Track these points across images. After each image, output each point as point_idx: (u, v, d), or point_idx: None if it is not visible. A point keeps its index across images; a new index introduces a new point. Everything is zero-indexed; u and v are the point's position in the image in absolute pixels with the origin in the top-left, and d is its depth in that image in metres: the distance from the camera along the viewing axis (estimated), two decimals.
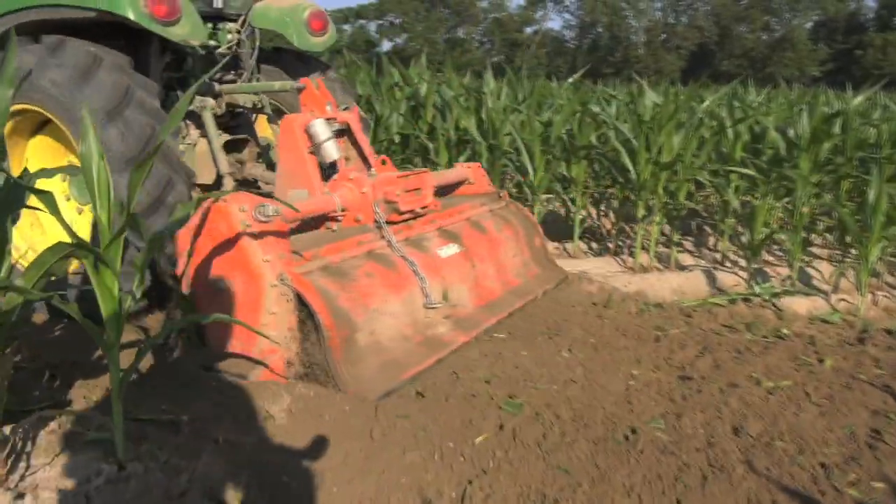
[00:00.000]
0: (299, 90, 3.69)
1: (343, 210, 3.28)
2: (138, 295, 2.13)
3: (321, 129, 3.47)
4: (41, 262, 1.90)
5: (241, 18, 4.14)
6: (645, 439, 2.46)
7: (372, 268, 3.00)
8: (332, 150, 3.49)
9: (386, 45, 61.20)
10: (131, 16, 3.44)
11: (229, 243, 2.74)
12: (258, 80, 4.29)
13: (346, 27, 63.29)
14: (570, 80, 7.78)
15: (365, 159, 3.73)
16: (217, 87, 4.09)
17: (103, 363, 2.70)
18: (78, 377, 2.61)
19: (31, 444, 2.03)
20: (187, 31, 3.60)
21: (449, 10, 63.11)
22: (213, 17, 4.09)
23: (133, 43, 3.71)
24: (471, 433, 2.45)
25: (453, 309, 3.31)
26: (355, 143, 3.73)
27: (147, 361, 2.82)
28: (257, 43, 4.15)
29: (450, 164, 5.79)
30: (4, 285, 1.93)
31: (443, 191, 4.12)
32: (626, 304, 4.04)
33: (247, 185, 4.20)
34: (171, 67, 4.09)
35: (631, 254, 5.26)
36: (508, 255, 3.88)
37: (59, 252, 1.90)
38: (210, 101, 3.99)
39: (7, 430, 2.01)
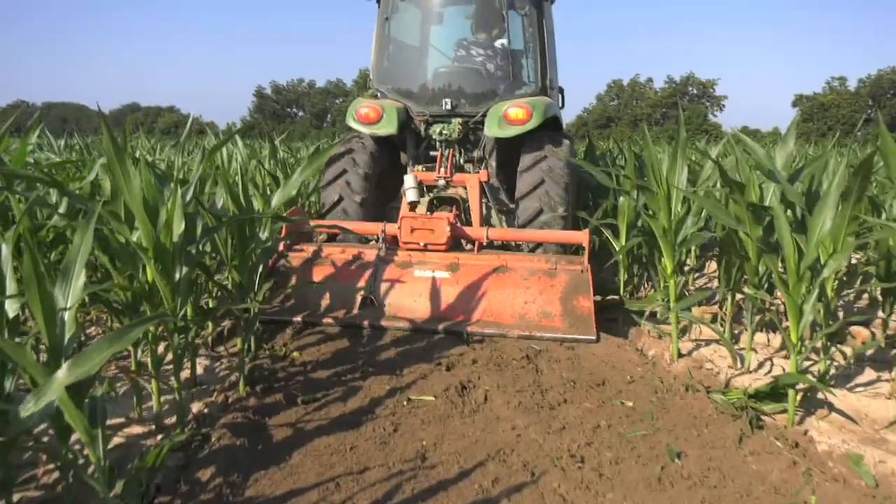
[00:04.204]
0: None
1: (383, 231, 4.93)
2: None
3: (407, 181, 5.36)
4: None
5: (478, 115, 5.85)
6: None
7: (339, 260, 4.80)
8: (410, 195, 5.31)
9: None
10: (351, 123, 5.73)
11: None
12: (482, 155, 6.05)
13: None
14: None
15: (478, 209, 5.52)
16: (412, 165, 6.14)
17: None
18: None
19: None
20: (383, 126, 5.64)
21: None
22: (447, 116, 5.89)
23: (402, 136, 5.94)
24: None
25: (396, 307, 4.52)
26: (476, 195, 5.53)
27: None
28: (485, 130, 5.69)
29: None
30: None
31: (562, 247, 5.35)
32: None
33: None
34: (427, 147, 6.13)
35: None
36: (517, 300, 4.51)
37: None
38: (418, 167, 5.95)
39: None
